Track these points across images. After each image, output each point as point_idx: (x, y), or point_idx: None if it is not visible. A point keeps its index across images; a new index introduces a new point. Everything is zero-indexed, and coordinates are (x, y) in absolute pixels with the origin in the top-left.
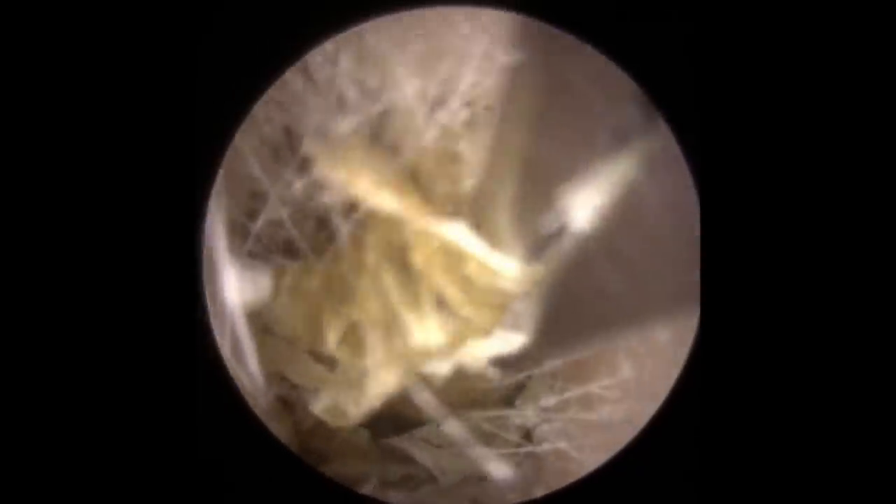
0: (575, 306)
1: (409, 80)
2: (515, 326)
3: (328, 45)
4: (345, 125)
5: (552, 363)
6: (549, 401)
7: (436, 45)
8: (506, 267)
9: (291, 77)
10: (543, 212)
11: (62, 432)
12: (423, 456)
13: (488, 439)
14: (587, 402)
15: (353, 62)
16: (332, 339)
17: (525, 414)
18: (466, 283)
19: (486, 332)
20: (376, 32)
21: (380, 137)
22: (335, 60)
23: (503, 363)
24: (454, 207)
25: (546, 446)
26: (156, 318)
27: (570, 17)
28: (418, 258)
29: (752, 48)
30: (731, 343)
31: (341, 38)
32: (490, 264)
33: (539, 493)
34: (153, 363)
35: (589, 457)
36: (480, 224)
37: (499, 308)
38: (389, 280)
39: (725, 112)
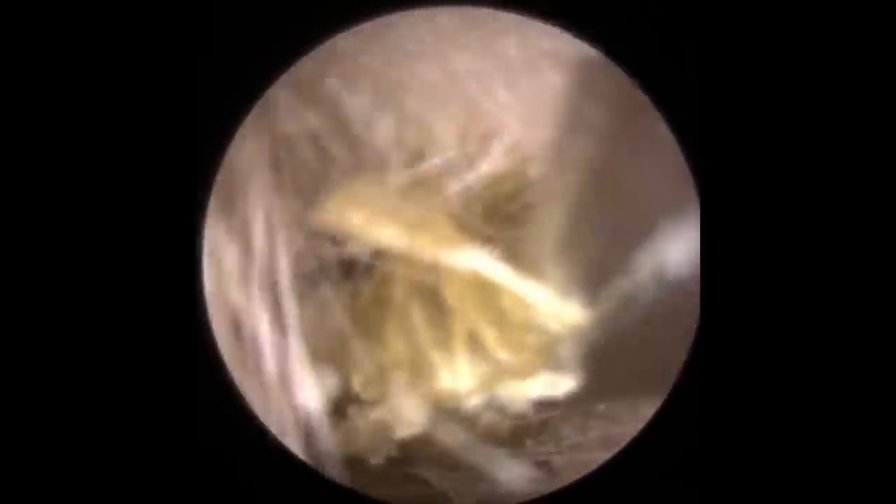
0: (639, 352)
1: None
2: (561, 368)
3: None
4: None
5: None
6: (572, 439)
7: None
8: (544, 301)
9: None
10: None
11: (61, 441)
12: (440, 481)
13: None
14: (607, 441)
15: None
16: (358, 380)
17: (546, 450)
18: (502, 320)
19: (526, 376)
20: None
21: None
22: (373, 125)
23: (547, 404)
24: (483, 235)
25: (563, 476)
26: (155, 320)
27: (568, 16)
28: (450, 292)
29: (752, 49)
30: (731, 344)
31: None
32: (523, 297)
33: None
34: (153, 368)
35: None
36: (516, 251)
37: (541, 352)
38: (418, 317)
39: (726, 112)
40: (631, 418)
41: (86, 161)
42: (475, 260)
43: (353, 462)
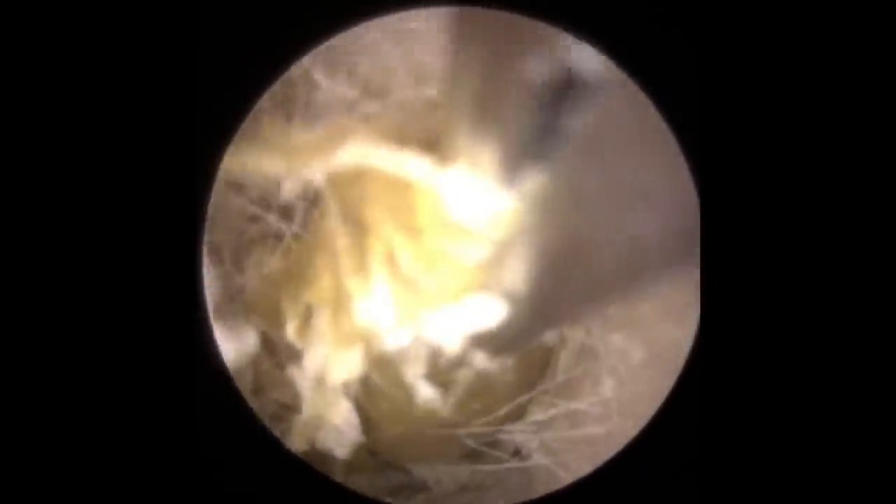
0: (577, 248)
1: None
2: (493, 289)
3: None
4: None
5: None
6: (538, 416)
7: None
8: (457, 188)
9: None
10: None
11: (61, 440)
12: (417, 467)
13: (475, 456)
14: (573, 418)
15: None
16: (291, 328)
17: (513, 430)
18: (417, 229)
19: (449, 299)
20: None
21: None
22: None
23: (488, 343)
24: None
25: (533, 461)
26: (154, 321)
27: (568, 15)
28: (369, 211)
29: (753, 49)
30: (730, 346)
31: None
32: (435, 192)
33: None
34: (152, 370)
35: (575, 471)
36: (413, 134)
37: (462, 270)
38: (341, 243)
39: (726, 112)
40: (593, 392)
41: (84, 159)
42: (365, 152)
43: (321, 458)
